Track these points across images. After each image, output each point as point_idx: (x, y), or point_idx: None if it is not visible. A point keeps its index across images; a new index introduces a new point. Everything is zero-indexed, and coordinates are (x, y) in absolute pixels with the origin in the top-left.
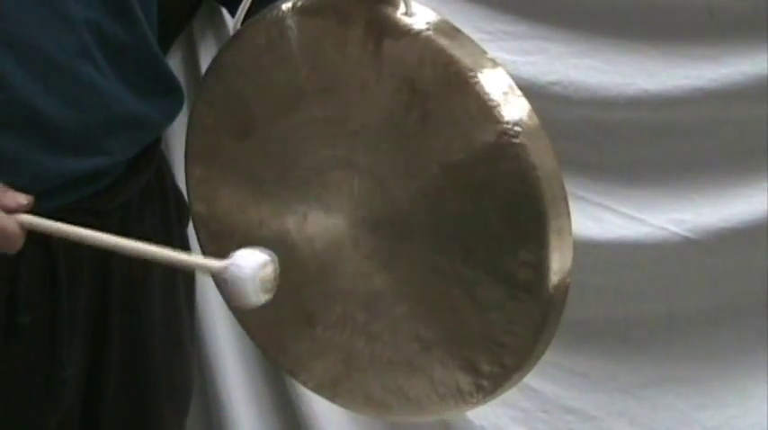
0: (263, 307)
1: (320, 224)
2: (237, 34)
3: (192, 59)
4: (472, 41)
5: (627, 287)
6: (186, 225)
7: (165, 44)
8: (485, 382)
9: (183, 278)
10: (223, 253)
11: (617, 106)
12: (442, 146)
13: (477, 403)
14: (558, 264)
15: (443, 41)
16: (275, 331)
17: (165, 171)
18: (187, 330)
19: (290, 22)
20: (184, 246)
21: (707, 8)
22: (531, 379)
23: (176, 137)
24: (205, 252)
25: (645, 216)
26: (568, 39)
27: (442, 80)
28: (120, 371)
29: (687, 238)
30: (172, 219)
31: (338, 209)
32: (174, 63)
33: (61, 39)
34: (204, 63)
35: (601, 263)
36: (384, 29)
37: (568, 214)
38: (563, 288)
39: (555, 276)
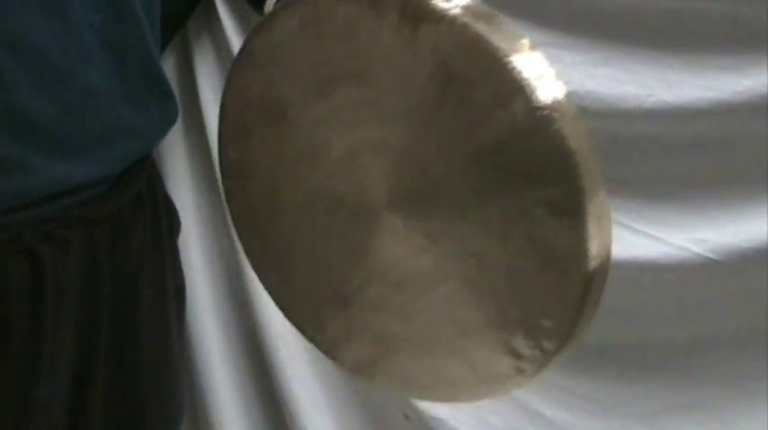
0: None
1: (355, 206)
2: (268, 18)
3: (186, 64)
4: (508, 25)
5: (643, 310)
6: (177, 233)
7: (160, 47)
8: (525, 366)
9: (174, 293)
10: (259, 235)
11: (635, 119)
12: (477, 131)
13: (518, 385)
14: (597, 247)
15: (480, 26)
16: (311, 311)
17: (156, 181)
18: (176, 345)
19: (323, 5)
20: (175, 259)
21: (731, 16)
22: (543, 406)
23: (167, 146)
24: (238, 228)
25: (663, 235)
26: (584, 46)
27: (477, 65)
28: (107, 389)
29: (708, 259)
30: (162, 230)
31: (373, 190)
32: (167, 68)
33: (62, 40)
34: (200, 67)
35: (616, 284)
36: (419, 14)
37: (606, 201)
38: (603, 270)
39: (594, 260)
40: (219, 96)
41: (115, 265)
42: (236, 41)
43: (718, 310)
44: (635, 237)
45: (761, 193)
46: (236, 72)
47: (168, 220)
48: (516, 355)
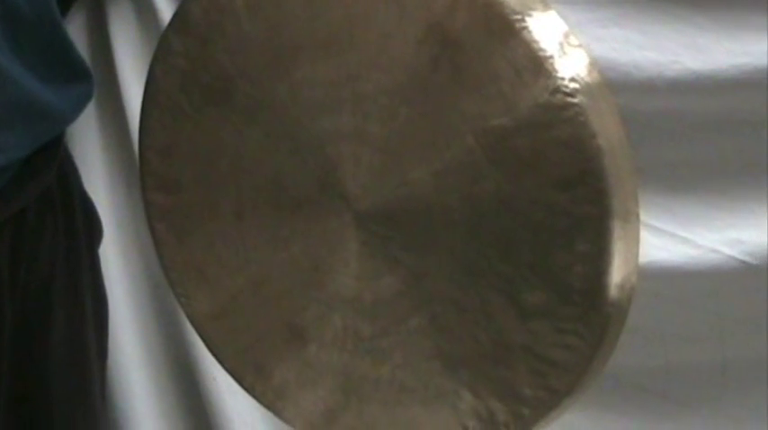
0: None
1: (316, 213)
2: None
3: (98, 27)
4: None
5: (668, 328)
6: (98, 241)
7: (61, 10)
8: (525, 410)
9: (94, 317)
10: (186, 249)
11: (656, 91)
12: (478, 110)
13: None
14: (623, 257)
15: None
16: (253, 353)
17: (69, 174)
18: (97, 382)
19: None
20: (94, 266)
21: None
22: None
23: (82, 133)
24: (163, 251)
25: (692, 235)
26: (592, 2)
27: (479, 27)
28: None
29: (746, 264)
30: (78, 234)
31: (341, 193)
32: (75, 31)
33: None
34: (116, 32)
35: (635, 296)
36: None
37: (636, 195)
38: (628, 288)
39: (618, 274)
40: (143, 69)
41: (18, 282)
42: (161, 1)
43: (759, 328)
44: (657, 238)
45: None
46: (167, 41)
47: (86, 224)
48: (516, 398)
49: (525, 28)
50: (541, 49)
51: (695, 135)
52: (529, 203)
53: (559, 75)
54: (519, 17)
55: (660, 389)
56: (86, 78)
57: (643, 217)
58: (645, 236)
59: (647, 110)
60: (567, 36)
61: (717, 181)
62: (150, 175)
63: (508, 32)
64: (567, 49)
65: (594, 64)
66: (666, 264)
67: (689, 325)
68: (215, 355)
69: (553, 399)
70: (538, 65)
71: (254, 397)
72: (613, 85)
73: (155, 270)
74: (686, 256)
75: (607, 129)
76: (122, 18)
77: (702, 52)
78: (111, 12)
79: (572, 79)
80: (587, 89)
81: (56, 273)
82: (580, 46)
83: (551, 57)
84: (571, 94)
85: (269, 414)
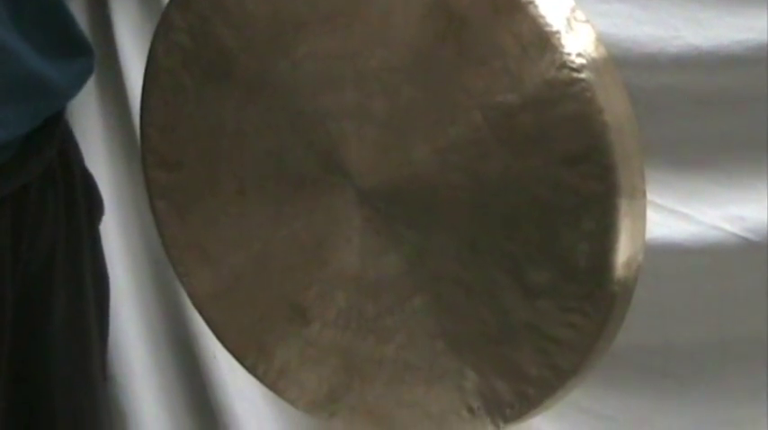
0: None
1: (319, 190)
2: None
3: (99, 4)
4: None
5: (668, 306)
6: (98, 218)
7: None
8: (530, 390)
9: (95, 297)
10: (188, 227)
11: (657, 67)
12: (484, 86)
13: (516, 419)
14: (629, 235)
15: None
16: (255, 332)
17: (70, 151)
18: (97, 363)
19: None
20: (95, 243)
21: None
22: (545, 424)
23: (84, 109)
24: (164, 228)
25: (692, 211)
26: None
27: (485, 1)
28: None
29: (747, 240)
30: (79, 209)
31: (344, 170)
32: (76, 8)
33: None
34: (116, 7)
35: None
36: None
37: (642, 172)
38: (634, 266)
39: (624, 252)
40: (143, 44)
41: (20, 259)
42: None
43: (760, 305)
44: (657, 214)
45: None
46: (169, 17)
47: (87, 201)
48: (521, 377)
49: (531, 2)
50: (548, 24)
51: (697, 111)
52: (535, 181)
53: (566, 50)
54: None
55: (659, 366)
56: (87, 53)
57: None
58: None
59: (649, 86)
60: (573, 11)
61: (718, 157)
62: (151, 152)
63: (514, 7)
64: (574, 24)
65: (600, 39)
66: (667, 241)
67: (689, 302)
68: (216, 335)
69: (558, 379)
70: (544, 40)
71: (256, 377)
72: (615, 60)
73: (155, 247)
74: (687, 233)
75: (613, 105)
76: None
77: (704, 27)
78: None
79: (578, 54)
80: (594, 65)
81: (57, 250)
82: (587, 21)
83: (558, 32)
84: (577, 70)
85: (270, 391)
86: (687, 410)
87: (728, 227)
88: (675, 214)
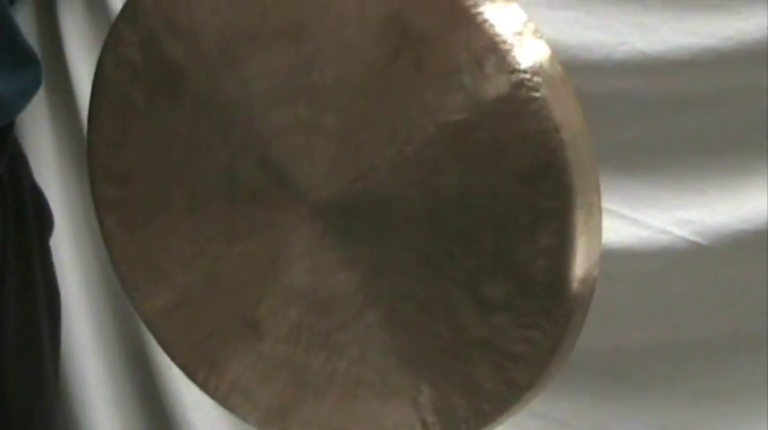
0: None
1: (271, 205)
2: None
3: (46, 15)
4: None
5: (619, 309)
6: (48, 232)
7: None
8: (485, 405)
9: (46, 309)
10: (137, 243)
11: (604, 72)
12: (439, 102)
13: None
14: (585, 251)
15: None
16: (206, 348)
17: (19, 166)
18: (50, 375)
19: None
20: (45, 257)
21: None
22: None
23: (32, 122)
24: (112, 244)
25: (641, 215)
26: None
27: (439, 16)
28: None
29: (696, 244)
30: (29, 225)
31: (296, 185)
32: (23, 17)
33: None
34: (64, 18)
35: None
36: None
37: (598, 188)
38: (590, 282)
39: (581, 268)
40: (92, 55)
41: None
42: None
43: (710, 308)
44: (606, 219)
45: (759, 163)
46: (119, 29)
47: (37, 216)
48: (476, 392)
49: (485, 19)
50: (502, 41)
51: (644, 116)
52: (491, 197)
53: (521, 67)
54: (478, 8)
55: (612, 370)
56: (34, 65)
57: None
58: None
59: (596, 91)
60: (527, 26)
61: (666, 161)
62: (99, 167)
63: (468, 22)
64: (529, 40)
65: (555, 55)
66: (616, 245)
67: (640, 305)
68: (166, 351)
69: (514, 394)
70: (499, 57)
71: (207, 392)
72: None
73: (107, 259)
74: (636, 237)
75: (570, 121)
76: (71, 3)
77: (650, 33)
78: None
79: (534, 72)
80: (549, 81)
81: (7, 265)
82: (541, 36)
83: (512, 48)
84: (534, 88)
85: None
86: (642, 414)
87: (677, 230)
88: (624, 219)
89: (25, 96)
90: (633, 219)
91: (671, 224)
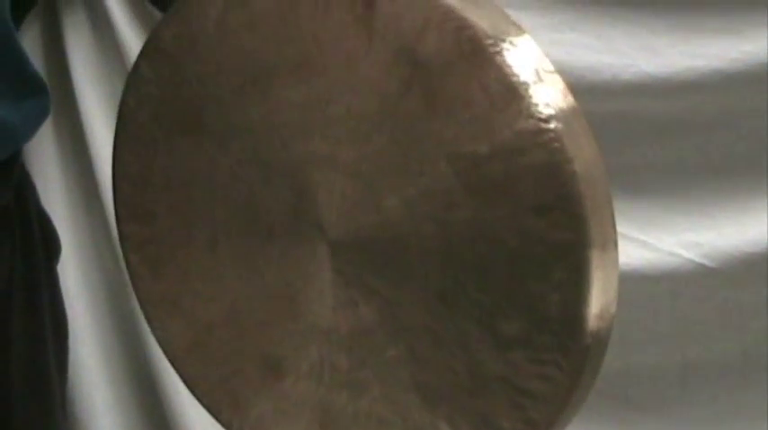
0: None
1: (291, 241)
2: (182, 3)
3: (53, 42)
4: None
5: (627, 332)
6: (56, 258)
7: (15, 21)
8: None
9: (54, 335)
10: (161, 281)
11: (611, 94)
12: (451, 136)
13: None
14: (601, 285)
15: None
16: (229, 386)
17: (27, 192)
18: (58, 403)
19: None
20: (53, 286)
21: None
22: None
23: (40, 150)
24: (136, 278)
25: (649, 238)
26: (547, 6)
27: (452, 50)
28: None
29: (704, 267)
30: (36, 251)
31: (315, 221)
32: (30, 45)
33: None
34: (71, 45)
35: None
36: None
37: (614, 223)
38: (607, 318)
39: (597, 303)
40: (99, 82)
41: None
42: (117, 13)
43: (718, 330)
44: None
45: (765, 186)
46: (139, 68)
47: (44, 242)
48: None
49: (498, 52)
50: (515, 75)
51: (651, 138)
52: (504, 230)
53: (534, 101)
54: (492, 41)
55: (620, 393)
56: (42, 93)
57: None
58: None
59: (603, 113)
60: (541, 61)
61: (674, 184)
62: (124, 206)
63: (481, 57)
64: (542, 74)
65: (568, 89)
66: (624, 268)
67: (648, 328)
68: (191, 390)
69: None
70: (512, 90)
71: None
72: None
73: (114, 285)
74: (644, 260)
75: (583, 154)
76: (78, 29)
77: (657, 55)
78: (67, 23)
79: (547, 105)
80: (562, 114)
81: (14, 291)
82: (554, 71)
83: (525, 82)
84: (546, 120)
85: None
86: None
87: (685, 253)
88: (633, 241)
89: (33, 125)
90: (641, 241)
91: (679, 246)
